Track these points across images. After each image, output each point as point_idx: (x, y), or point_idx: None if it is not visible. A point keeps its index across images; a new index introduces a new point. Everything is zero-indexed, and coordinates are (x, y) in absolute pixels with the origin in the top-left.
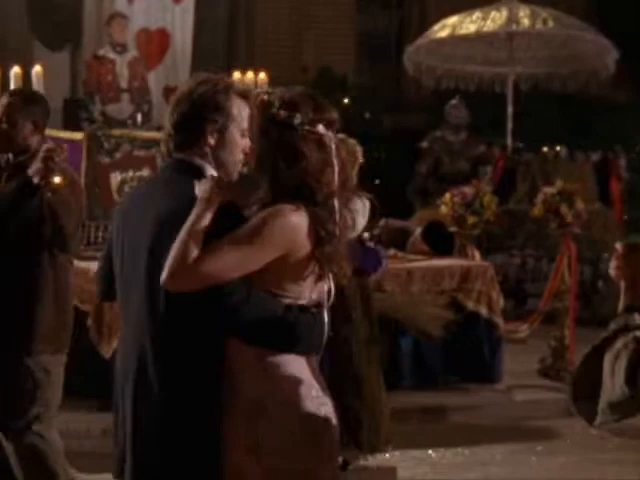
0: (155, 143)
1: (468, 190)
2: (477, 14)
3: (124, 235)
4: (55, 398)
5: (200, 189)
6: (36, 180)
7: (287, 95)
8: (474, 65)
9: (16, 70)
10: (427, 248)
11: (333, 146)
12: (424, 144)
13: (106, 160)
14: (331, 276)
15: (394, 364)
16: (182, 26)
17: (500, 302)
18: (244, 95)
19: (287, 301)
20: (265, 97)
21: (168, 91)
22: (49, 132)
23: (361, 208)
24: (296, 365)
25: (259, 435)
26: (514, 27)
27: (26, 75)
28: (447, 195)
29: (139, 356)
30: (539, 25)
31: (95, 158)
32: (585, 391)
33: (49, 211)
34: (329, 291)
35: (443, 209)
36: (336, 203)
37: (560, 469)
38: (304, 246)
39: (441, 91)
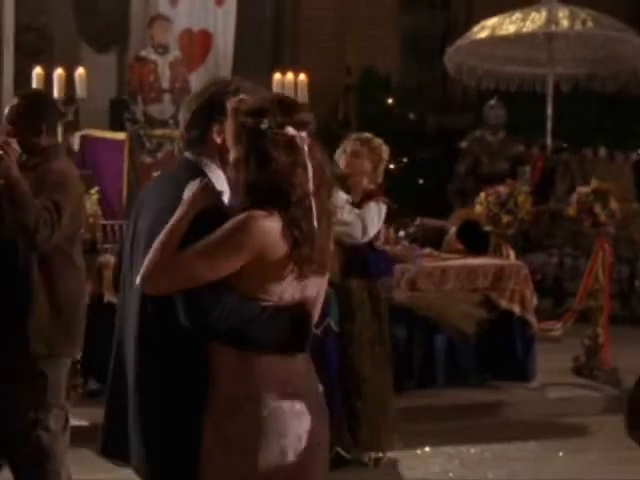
0: None
1: (503, 189)
2: (517, 15)
3: (134, 224)
4: (55, 401)
5: (186, 192)
6: None
7: (254, 101)
8: (514, 65)
9: (59, 72)
10: (462, 247)
11: (305, 147)
12: (463, 144)
13: (148, 160)
14: (320, 275)
15: (427, 362)
16: (224, 27)
17: (534, 301)
18: None
19: (268, 303)
20: (234, 104)
21: None
22: (93, 132)
23: (376, 213)
24: (272, 364)
25: (229, 431)
26: (553, 28)
27: (70, 76)
28: (482, 194)
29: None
30: (578, 26)
31: (137, 158)
32: None
33: (8, 204)
34: (317, 290)
35: (478, 208)
36: (313, 203)
37: (589, 466)
38: (278, 248)
39: (485, 91)
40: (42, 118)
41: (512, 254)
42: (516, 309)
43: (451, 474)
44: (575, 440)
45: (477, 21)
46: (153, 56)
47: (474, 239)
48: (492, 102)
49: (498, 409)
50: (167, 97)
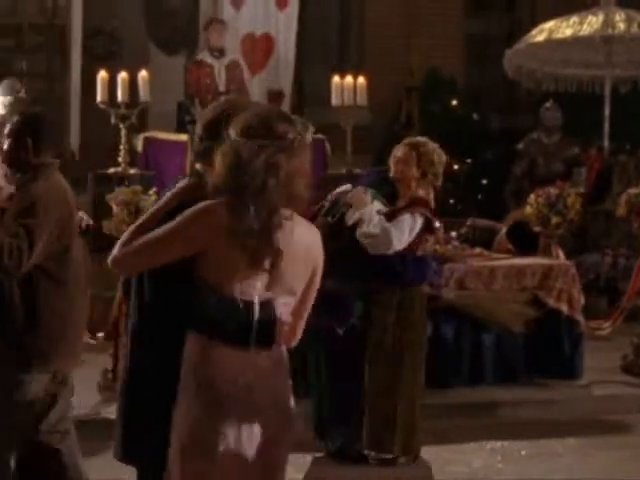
0: None
1: (552, 190)
2: (574, 19)
3: None
4: (57, 417)
5: (176, 187)
6: None
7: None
8: (573, 68)
9: (123, 75)
10: (512, 247)
11: (279, 155)
12: (520, 146)
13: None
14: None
15: (476, 360)
16: (286, 32)
17: (581, 300)
18: None
19: (228, 295)
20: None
21: (271, 95)
22: (157, 134)
23: (407, 225)
24: (225, 355)
25: (176, 412)
26: (610, 31)
27: (134, 80)
28: (532, 196)
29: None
30: (634, 29)
31: None
32: None
33: None
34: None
35: (528, 209)
36: (271, 202)
37: (631, 463)
38: (224, 236)
39: (546, 93)
40: (35, 136)
41: (561, 254)
42: (564, 308)
43: (492, 469)
44: (619, 437)
45: (540, 23)
46: (209, 59)
47: (524, 239)
48: (548, 104)
49: (545, 406)
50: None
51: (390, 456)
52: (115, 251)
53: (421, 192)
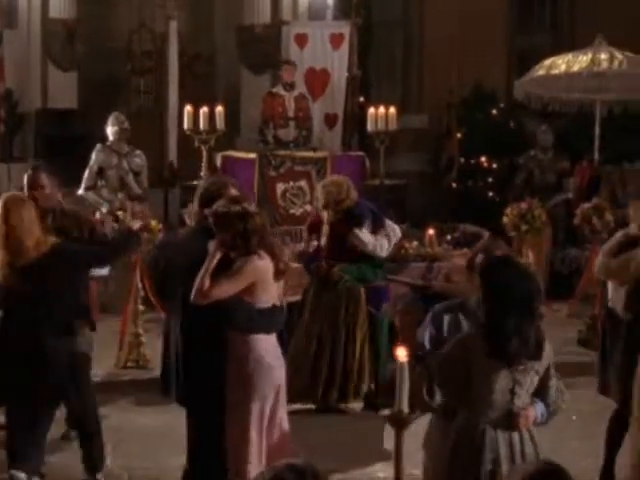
0: (310, 161)
1: (523, 205)
2: (569, 57)
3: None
4: None
5: (210, 246)
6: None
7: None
8: (575, 92)
9: (204, 110)
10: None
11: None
12: (520, 160)
13: (273, 173)
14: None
15: None
16: (339, 66)
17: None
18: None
19: (258, 305)
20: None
21: (328, 117)
22: (232, 153)
23: (392, 234)
24: (259, 341)
25: (227, 376)
26: (595, 69)
27: (212, 112)
28: (508, 209)
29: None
30: (615, 67)
31: (265, 172)
32: None
33: None
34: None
35: (504, 219)
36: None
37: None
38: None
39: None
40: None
41: (531, 254)
42: None
43: None
44: None
45: (580, 40)
46: (282, 92)
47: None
48: (543, 128)
49: None
50: (292, 124)
51: None
52: (197, 291)
53: None
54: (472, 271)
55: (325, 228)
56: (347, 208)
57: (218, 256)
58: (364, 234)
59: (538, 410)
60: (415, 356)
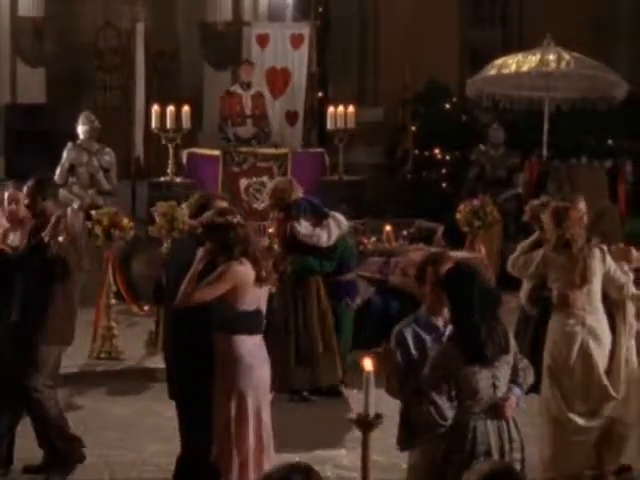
0: (272, 157)
1: (475, 202)
2: (519, 57)
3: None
4: None
5: (199, 252)
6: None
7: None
8: (525, 90)
9: (171, 108)
10: (445, 243)
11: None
12: (472, 156)
13: (236, 169)
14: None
15: None
16: (299, 66)
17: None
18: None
19: (242, 308)
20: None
21: (289, 114)
22: (196, 150)
23: (333, 226)
24: (241, 341)
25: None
26: (543, 69)
27: (179, 111)
28: (461, 206)
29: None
30: (563, 67)
31: (228, 169)
32: None
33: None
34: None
35: (457, 215)
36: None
37: None
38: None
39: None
40: (44, 193)
41: (482, 249)
42: None
43: None
44: None
45: (529, 36)
46: (239, 90)
47: (457, 238)
48: (494, 126)
49: None
50: (249, 121)
51: None
52: (181, 295)
53: None
54: (422, 282)
55: (274, 225)
56: (287, 205)
57: (203, 263)
58: (302, 227)
59: (517, 394)
60: (399, 382)
